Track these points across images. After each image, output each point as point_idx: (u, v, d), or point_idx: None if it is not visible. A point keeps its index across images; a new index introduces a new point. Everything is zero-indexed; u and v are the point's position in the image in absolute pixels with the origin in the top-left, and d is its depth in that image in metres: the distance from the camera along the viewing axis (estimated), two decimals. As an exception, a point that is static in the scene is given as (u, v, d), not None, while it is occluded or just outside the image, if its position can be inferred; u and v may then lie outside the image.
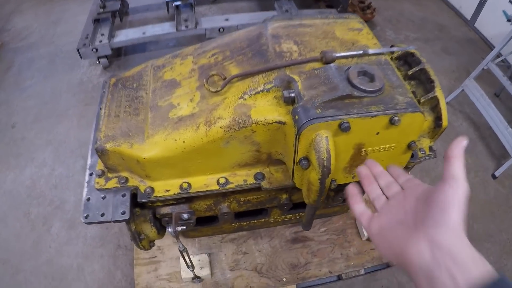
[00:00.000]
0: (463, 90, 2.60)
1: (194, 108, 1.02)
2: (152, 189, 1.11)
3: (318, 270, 1.74)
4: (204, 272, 1.68)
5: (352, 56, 1.03)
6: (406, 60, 1.21)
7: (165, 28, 2.64)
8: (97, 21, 2.70)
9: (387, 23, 3.45)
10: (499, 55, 2.45)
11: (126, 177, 1.14)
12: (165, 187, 1.11)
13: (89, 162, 1.24)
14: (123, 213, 1.12)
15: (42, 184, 2.24)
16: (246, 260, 1.76)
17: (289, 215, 1.66)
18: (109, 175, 1.16)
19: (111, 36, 2.61)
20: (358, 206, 0.76)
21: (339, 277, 1.76)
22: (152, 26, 2.65)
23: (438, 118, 1.15)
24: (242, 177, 1.13)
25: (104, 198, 1.15)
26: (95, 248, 1.99)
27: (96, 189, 1.15)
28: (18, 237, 2.03)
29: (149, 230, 1.36)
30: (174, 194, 1.11)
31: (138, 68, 1.25)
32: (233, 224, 1.65)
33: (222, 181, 1.12)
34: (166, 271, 1.71)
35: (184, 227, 1.28)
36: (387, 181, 0.76)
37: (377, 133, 0.95)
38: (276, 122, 0.97)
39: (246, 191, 1.24)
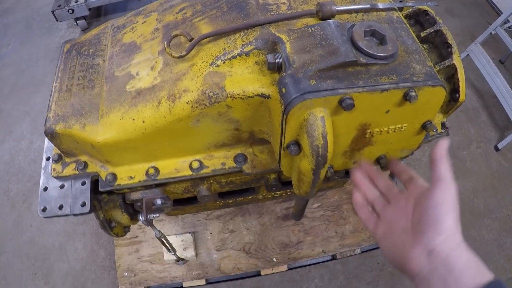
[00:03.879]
0: (468, 55, 2.32)
1: (155, 78, 0.77)
2: (114, 176, 0.89)
3: (311, 250, 1.56)
4: (188, 254, 1.50)
5: (357, 11, 0.77)
6: (418, 19, 0.94)
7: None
8: (73, -20, 2.36)
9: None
10: (506, 21, 2.15)
11: (85, 161, 0.91)
12: (129, 173, 0.89)
13: (46, 144, 1.01)
14: (83, 204, 0.91)
15: (20, 159, 2.02)
16: (233, 239, 1.58)
17: (279, 192, 1.46)
18: (67, 160, 0.93)
19: (87, -6, 2.28)
20: (363, 211, 0.69)
21: (333, 257, 1.59)
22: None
23: (454, 91, 0.91)
24: (219, 160, 0.90)
25: (62, 187, 0.94)
26: (77, 225, 1.80)
27: (53, 176, 0.93)
28: (-2, 216, 1.84)
29: (121, 216, 1.15)
30: (140, 181, 0.89)
31: (96, 30, 0.99)
32: (218, 202, 1.45)
33: (195, 165, 0.89)
34: (148, 252, 1.54)
35: (158, 215, 1.07)
36: (386, 184, 0.69)
37: (387, 111, 0.71)
38: (257, 95, 0.72)
39: (226, 174, 1.02)
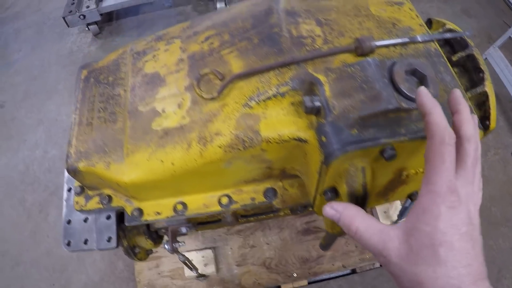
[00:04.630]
0: (486, 58, 2.24)
1: (184, 117, 0.73)
2: (141, 211, 0.86)
3: (331, 265, 1.54)
4: (209, 270, 1.49)
5: (395, 45, 0.72)
6: (449, 40, 0.89)
7: (159, -11, 2.25)
8: (83, -16, 2.30)
9: (403, -21, 2.96)
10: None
11: (109, 195, 0.88)
12: (156, 208, 0.86)
13: (66, 174, 0.98)
14: (109, 239, 0.89)
15: (35, 168, 2.01)
16: (253, 254, 1.56)
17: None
18: (90, 193, 0.90)
19: (99, 0, 2.22)
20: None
21: (353, 271, 1.57)
22: (147, -12, 2.25)
23: (484, 118, 0.86)
24: (249, 195, 0.87)
25: (86, 220, 0.92)
26: (95, 237, 1.79)
27: (76, 210, 0.91)
28: (15, 226, 1.84)
29: (145, 242, 1.13)
30: (167, 217, 0.86)
31: (114, 55, 0.94)
32: (240, 220, 1.43)
33: (224, 200, 0.85)
34: (168, 267, 1.53)
35: (183, 243, 1.05)
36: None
37: (419, 156, 0.67)
38: (294, 139, 0.69)
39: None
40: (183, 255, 1.14)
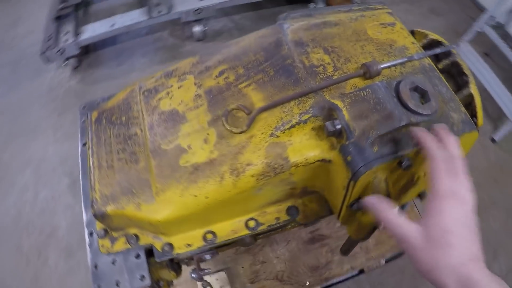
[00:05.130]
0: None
1: (212, 152, 0.77)
2: (171, 246, 0.87)
3: (340, 268, 1.59)
4: (225, 290, 1.50)
5: (396, 65, 0.80)
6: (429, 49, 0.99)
7: (135, 16, 2.24)
8: (58, 18, 2.27)
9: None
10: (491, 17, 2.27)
11: (135, 234, 0.89)
12: (186, 241, 0.88)
13: (85, 217, 0.98)
14: (142, 278, 0.89)
15: (28, 211, 1.94)
16: (265, 269, 1.59)
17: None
18: (114, 234, 0.90)
19: (76, 33, 2.19)
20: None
21: (361, 271, 1.63)
22: (121, 16, 2.24)
23: (472, 116, 0.95)
24: (273, 215, 0.91)
25: (114, 262, 0.91)
26: (101, 274, 1.76)
27: (103, 253, 0.91)
28: (15, 275, 1.76)
29: (168, 274, 1.14)
30: (198, 248, 0.88)
31: (123, 94, 0.96)
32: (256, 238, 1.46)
33: (251, 224, 0.89)
34: (184, 292, 1.52)
35: (210, 269, 1.06)
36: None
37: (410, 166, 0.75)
38: (318, 160, 0.74)
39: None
40: (207, 281, 1.15)
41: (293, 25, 0.86)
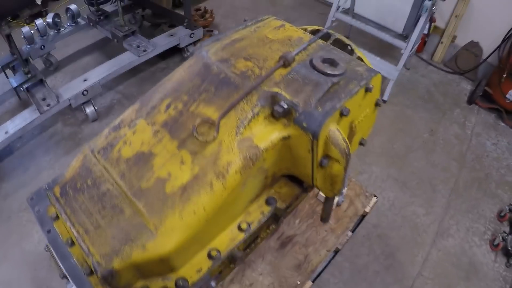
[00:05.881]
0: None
1: (192, 169, 0.83)
2: (184, 279, 0.87)
3: (318, 256, 1.70)
4: (232, 329, 1.45)
5: (301, 51, 1.01)
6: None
7: (27, 116, 2.10)
8: None
9: (227, 19, 3.56)
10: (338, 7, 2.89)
11: (144, 286, 0.86)
12: (195, 267, 0.88)
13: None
14: None
15: None
16: (257, 290, 1.60)
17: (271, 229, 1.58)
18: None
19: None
20: None
21: (336, 251, 1.77)
22: (11, 121, 2.07)
23: None
24: (257, 212, 0.99)
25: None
26: None
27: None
28: None
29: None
30: (209, 268, 0.90)
31: (77, 163, 0.94)
32: (231, 266, 1.47)
33: (244, 226, 0.95)
34: None
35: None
36: None
37: (359, 106, 0.96)
38: (281, 139, 0.88)
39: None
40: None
41: (210, 50, 1.00)
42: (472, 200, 2.37)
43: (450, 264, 2.09)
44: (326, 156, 0.88)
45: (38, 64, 2.64)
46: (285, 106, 0.85)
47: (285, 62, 0.93)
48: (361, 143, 1.09)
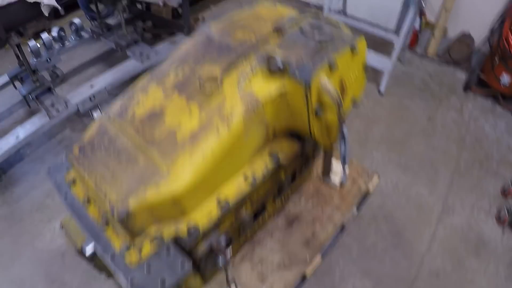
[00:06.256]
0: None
1: (200, 117, 0.95)
2: (195, 225, 0.97)
3: (325, 232, 1.78)
4: (244, 302, 1.52)
5: (292, 21, 1.14)
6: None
7: (36, 121, 2.24)
8: None
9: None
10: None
11: (157, 231, 0.96)
12: (205, 212, 0.99)
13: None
14: (183, 265, 0.94)
15: None
16: (266, 265, 1.67)
17: (277, 204, 1.68)
18: (137, 242, 0.95)
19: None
20: None
21: (342, 227, 1.85)
22: (22, 127, 2.21)
23: None
24: (261, 164, 1.10)
25: (149, 269, 0.94)
26: None
27: (135, 267, 0.94)
28: None
29: (194, 280, 1.17)
30: (217, 214, 0.99)
31: (93, 128, 1.05)
32: (241, 238, 1.57)
33: (249, 177, 1.06)
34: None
35: (229, 254, 1.14)
36: None
37: (347, 65, 1.08)
38: (278, 92, 1.00)
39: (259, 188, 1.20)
40: (230, 274, 1.21)
41: (212, 25, 1.14)
42: (475, 179, 2.45)
43: (458, 240, 2.15)
44: (320, 104, 0.99)
45: (45, 77, 2.81)
46: (280, 63, 0.97)
47: (278, 30, 1.06)
48: (354, 103, 1.20)
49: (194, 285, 1.15)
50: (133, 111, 1.03)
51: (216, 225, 1.08)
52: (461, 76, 3.18)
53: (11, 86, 2.55)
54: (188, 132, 0.93)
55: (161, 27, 3.20)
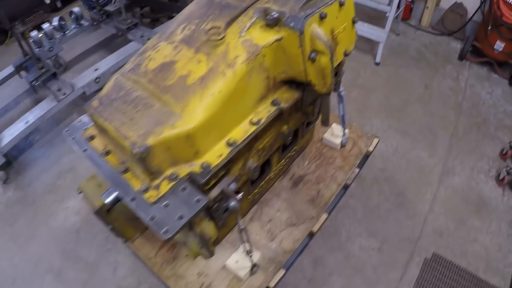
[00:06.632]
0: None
1: (208, 64, 1.06)
2: (207, 163, 1.08)
3: (329, 190, 1.89)
4: (256, 256, 1.63)
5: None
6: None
7: (45, 106, 2.36)
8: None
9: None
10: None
11: (173, 172, 1.07)
12: (216, 153, 1.10)
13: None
14: (198, 200, 1.03)
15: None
16: (275, 225, 1.78)
17: (282, 163, 1.79)
18: (154, 183, 1.06)
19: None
20: None
21: (345, 186, 1.96)
22: (31, 112, 2.33)
23: None
24: (265, 111, 1.20)
25: (167, 205, 1.04)
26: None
27: (153, 203, 1.04)
28: None
29: (208, 226, 1.28)
30: (227, 155, 1.10)
31: (109, 84, 1.16)
32: (249, 198, 1.67)
33: (255, 119, 1.16)
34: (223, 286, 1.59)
35: (242, 193, 1.23)
36: None
37: (336, 17, 1.19)
38: (275, 41, 1.10)
39: (263, 136, 1.31)
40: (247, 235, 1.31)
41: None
42: (473, 142, 2.55)
43: (459, 200, 2.25)
44: (314, 50, 1.10)
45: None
46: (275, 14, 1.08)
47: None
48: (345, 54, 1.31)
49: (208, 231, 1.26)
50: (146, 65, 1.14)
51: (227, 170, 1.20)
52: (456, 45, 3.28)
53: (14, 78, 2.67)
54: (197, 76, 1.05)
55: (159, 11, 3.30)
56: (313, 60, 1.12)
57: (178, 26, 1.19)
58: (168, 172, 1.07)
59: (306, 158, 2.03)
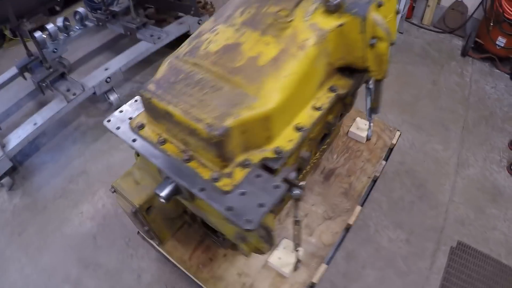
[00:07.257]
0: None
1: (278, 46, 1.08)
2: (280, 148, 1.09)
3: (360, 183, 1.94)
4: (300, 252, 1.64)
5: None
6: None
7: (54, 107, 2.30)
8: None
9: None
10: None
11: (246, 159, 1.07)
12: (286, 138, 1.11)
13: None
14: (276, 187, 1.00)
15: None
16: (312, 219, 1.81)
17: (317, 156, 1.82)
18: (225, 170, 1.06)
19: (1, 146, 2.09)
20: None
21: (374, 178, 2.01)
22: (39, 113, 2.26)
23: None
24: (324, 97, 1.23)
25: (243, 194, 1.00)
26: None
27: (227, 191, 1.01)
28: None
29: (269, 217, 1.28)
30: (298, 139, 1.12)
31: (162, 70, 1.15)
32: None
33: (318, 104, 1.20)
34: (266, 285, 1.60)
35: (305, 182, 1.24)
36: None
37: (387, 7, 1.24)
38: (338, 26, 1.14)
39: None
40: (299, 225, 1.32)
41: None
42: (483, 135, 2.68)
43: (476, 190, 2.36)
44: (374, 36, 1.15)
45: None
46: (337, 0, 1.12)
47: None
48: (391, 43, 1.37)
49: (269, 223, 1.26)
50: (205, 48, 1.15)
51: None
52: (458, 42, 3.45)
53: (14, 81, 2.59)
54: (269, 58, 1.07)
55: (166, 11, 3.30)
56: (372, 46, 1.16)
57: (236, 9, 1.21)
58: (239, 158, 1.07)
59: (334, 152, 2.08)
